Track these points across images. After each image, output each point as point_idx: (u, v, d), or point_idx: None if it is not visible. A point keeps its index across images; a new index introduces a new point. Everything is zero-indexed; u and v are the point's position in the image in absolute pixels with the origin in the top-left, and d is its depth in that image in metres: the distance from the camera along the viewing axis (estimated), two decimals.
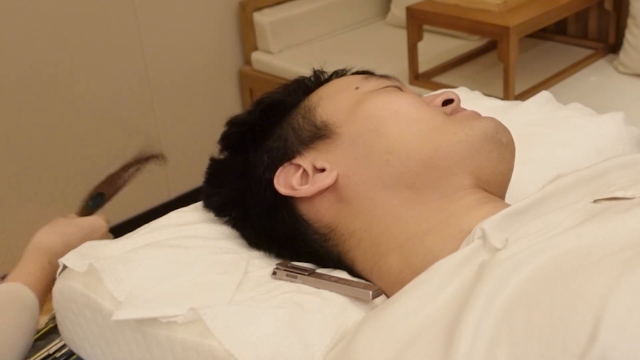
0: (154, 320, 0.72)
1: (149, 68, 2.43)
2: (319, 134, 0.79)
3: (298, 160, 0.79)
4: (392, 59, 2.42)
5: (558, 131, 0.99)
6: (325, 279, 0.75)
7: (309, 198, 0.78)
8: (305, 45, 2.69)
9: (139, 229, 0.88)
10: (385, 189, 0.75)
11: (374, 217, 0.76)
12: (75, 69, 2.24)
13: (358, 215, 0.76)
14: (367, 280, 0.77)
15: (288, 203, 0.79)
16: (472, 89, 1.19)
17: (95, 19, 2.25)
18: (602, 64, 2.38)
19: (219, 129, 0.87)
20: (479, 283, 0.59)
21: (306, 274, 0.76)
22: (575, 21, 2.53)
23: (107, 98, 2.34)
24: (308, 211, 0.79)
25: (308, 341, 0.67)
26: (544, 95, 1.10)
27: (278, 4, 2.69)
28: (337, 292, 0.73)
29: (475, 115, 0.80)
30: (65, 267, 0.82)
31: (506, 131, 0.78)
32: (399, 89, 0.83)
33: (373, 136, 0.77)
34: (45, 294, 0.87)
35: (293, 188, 0.78)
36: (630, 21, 2.24)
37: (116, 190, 1.06)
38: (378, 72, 0.88)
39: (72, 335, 0.83)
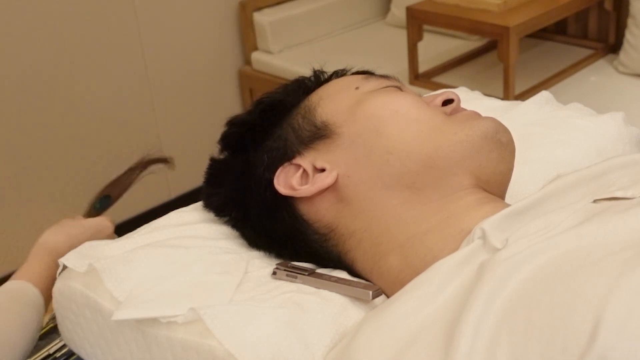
0: (154, 320, 0.72)
1: (149, 68, 2.43)
2: (319, 134, 0.79)
3: (298, 160, 0.79)
4: (392, 59, 2.42)
5: (558, 131, 0.99)
6: (325, 279, 0.75)
7: (309, 198, 0.78)
8: (305, 45, 2.69)
9: (139, 229, 0.88)
10: (385, 189, 0.75)
11: (374, 217, 0.76)
12: (75, 69, 2.24)
13: (358, 215, 0.76)
14: (367, 280, 0.77)
15: (288, 203, 0.79)
16: (472, 89, 1.19)
17: (95, 19, 2.25)
18: (602, 64, 2.38)
19: (219, 129, 0.87)
20: (479, 283, 0.59)
21: (306, 274, 0.76)
22: (575, 21, 2.53)
23: (107, 98, 2.34)
24: (308, 211, 0.79)
25: (308, 341, 0.67)
26: (544, 95, 1.10)
27: (278, 4, 2.69)
28: (337, 292, 0.73)
29: (475, 115, 0.80)
30: (65, 267, 0.82)
31: (506, 131, 0.78)
32: (399, 89, 0.83)
33: (373, 136, 0.77)
34: (50, 292, 0.88)
35: (293, 188, 0.78)
36: (630, 21, 2.24)
37: (122, 192, 1.07)
38: (378, 72, 0.88)
39: (72, 335, 0.83)
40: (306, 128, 0.80)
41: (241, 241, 0.85)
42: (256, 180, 0.81)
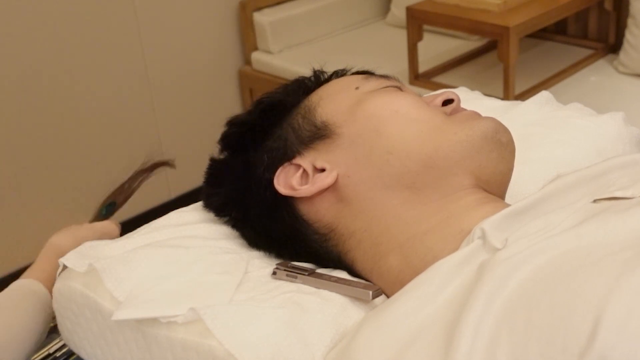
0: (154, 320, 0.72)
1: (149, 68, 2.43)
2: (319, 134, 0.79)
3: (298, 160, 0.79)
4: (392, 59, 2.42)
5: (558, 131, 0.99)
6: (325, 279, 0.75)
7: (309, 198, 0.78)
8: (305, 45, 2.69)
9: (139, 229, 0.88)
10: (385, 189, 0.75)
11: (374, 217, 0.76)
12: (75, 69, 2.24)
13: (358, 215, 0.76)
14: (367, 280, 0.77)
15: (288, 203, 0.79)
16: (472, 89, 1.19)
17: (95, 19, 2.25)
18: (602, 64, 2.38)
19: (219, 129, 0.87)
20: (479, 283, 0.59)
21: (306, 274, 0.76)
22: (575, 21, 2.53)
23: (107, 98, 2.34)
24: (308, 211, 0.79)
25: (308, 341, 0.67)
26: (544, 95, 1.10)
27: (278, 4, 2.69)
28: (337, 292, 0.73)
29: (475, 115, 0.80)
30: (65, 267, 0.82)
31: (506, 131, 0.78)
32: (399, 89, 0.83)
33: (373, 136, 0.77)
34: None
35: (293, 188, 0.78)
36: (630, 21, 2.24)
37: (126, 198, 1.08)
38: (378, 72, 0.88)
39: (72, 335, 0.83)
40: (306, 128, 0.80)
41: (241, 241, 0.85)
42: (256, 180, 0.81)
